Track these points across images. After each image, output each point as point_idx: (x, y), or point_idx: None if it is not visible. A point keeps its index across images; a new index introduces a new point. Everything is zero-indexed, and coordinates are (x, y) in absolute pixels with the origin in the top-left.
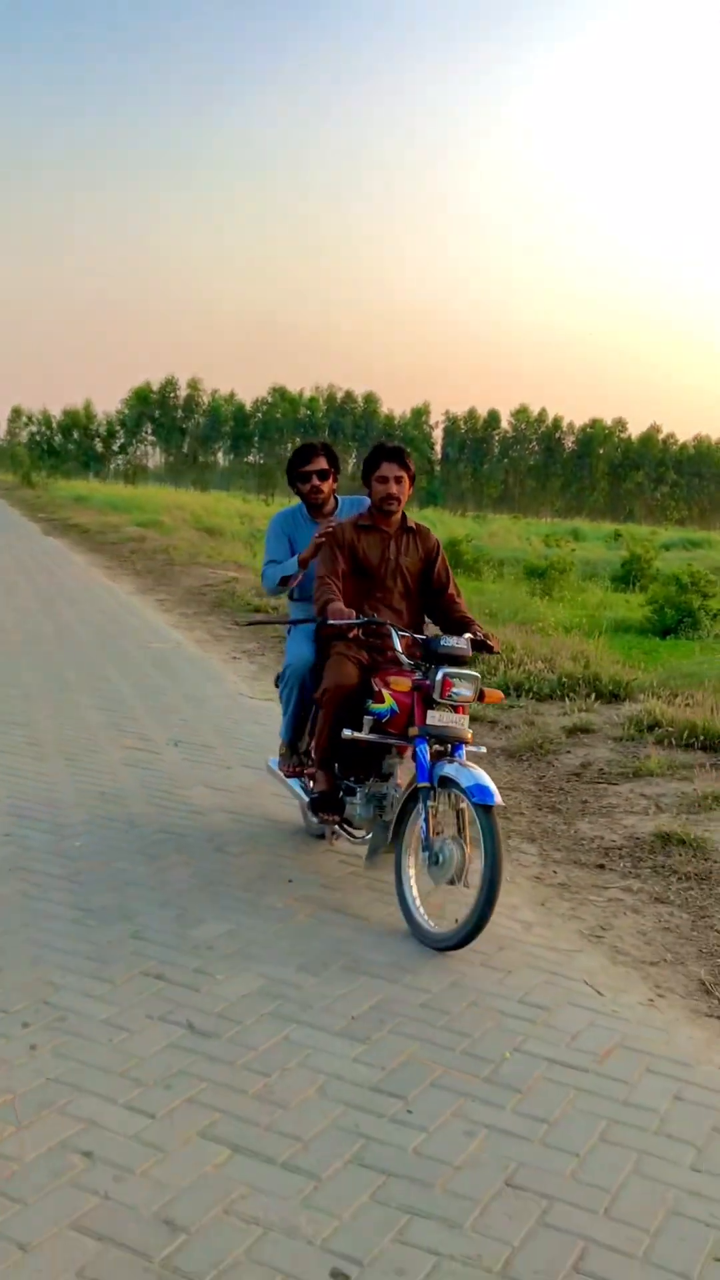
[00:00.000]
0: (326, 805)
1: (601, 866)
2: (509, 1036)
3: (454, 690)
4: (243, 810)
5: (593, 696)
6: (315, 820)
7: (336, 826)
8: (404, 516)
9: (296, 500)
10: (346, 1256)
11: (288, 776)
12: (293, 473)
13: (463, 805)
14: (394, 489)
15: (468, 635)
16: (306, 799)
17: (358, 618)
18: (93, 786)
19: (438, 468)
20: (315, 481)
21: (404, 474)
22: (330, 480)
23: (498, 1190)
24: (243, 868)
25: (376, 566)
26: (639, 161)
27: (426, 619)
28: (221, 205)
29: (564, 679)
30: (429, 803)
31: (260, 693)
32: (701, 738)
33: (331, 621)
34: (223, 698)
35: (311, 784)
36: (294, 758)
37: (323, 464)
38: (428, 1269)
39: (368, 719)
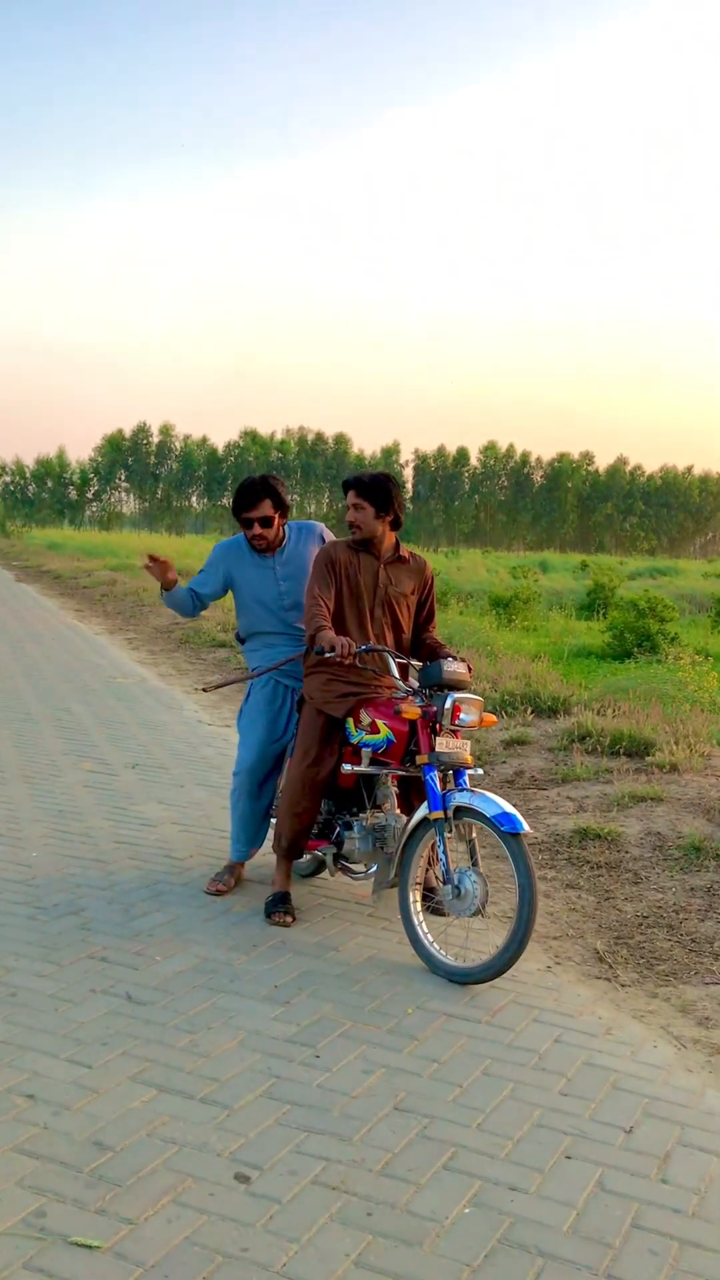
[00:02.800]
0: (282, 905)
1: None
2: (414, 997)
3: (463, 715)
4: (192, 823)
5: (531, 712)
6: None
7: (330, 861)
8: (397, 544)
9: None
10: (248, 1163)
11: (212, 894)
12: (236, 514)
13: (474, 835)
14: (352, 515)
15: (462, 659)
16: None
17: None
18: (52, 805)
19: (409, 505)
20: (258, 529)
21: (362, 500)
22: (275, 525)
23: (386, 1113)
24: (187, 869)
25: (365, 593)
26: (597, 192)
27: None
28: (190, 250)
29: (506, 697)
30: (445, 834)
31: (218, 720)
32: (625, 744)
33: (329, 655)
34: (180, 725)
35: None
36: (228, 877)
37: (267, 510)
38: (317, 1171)
39: (365, 751)
